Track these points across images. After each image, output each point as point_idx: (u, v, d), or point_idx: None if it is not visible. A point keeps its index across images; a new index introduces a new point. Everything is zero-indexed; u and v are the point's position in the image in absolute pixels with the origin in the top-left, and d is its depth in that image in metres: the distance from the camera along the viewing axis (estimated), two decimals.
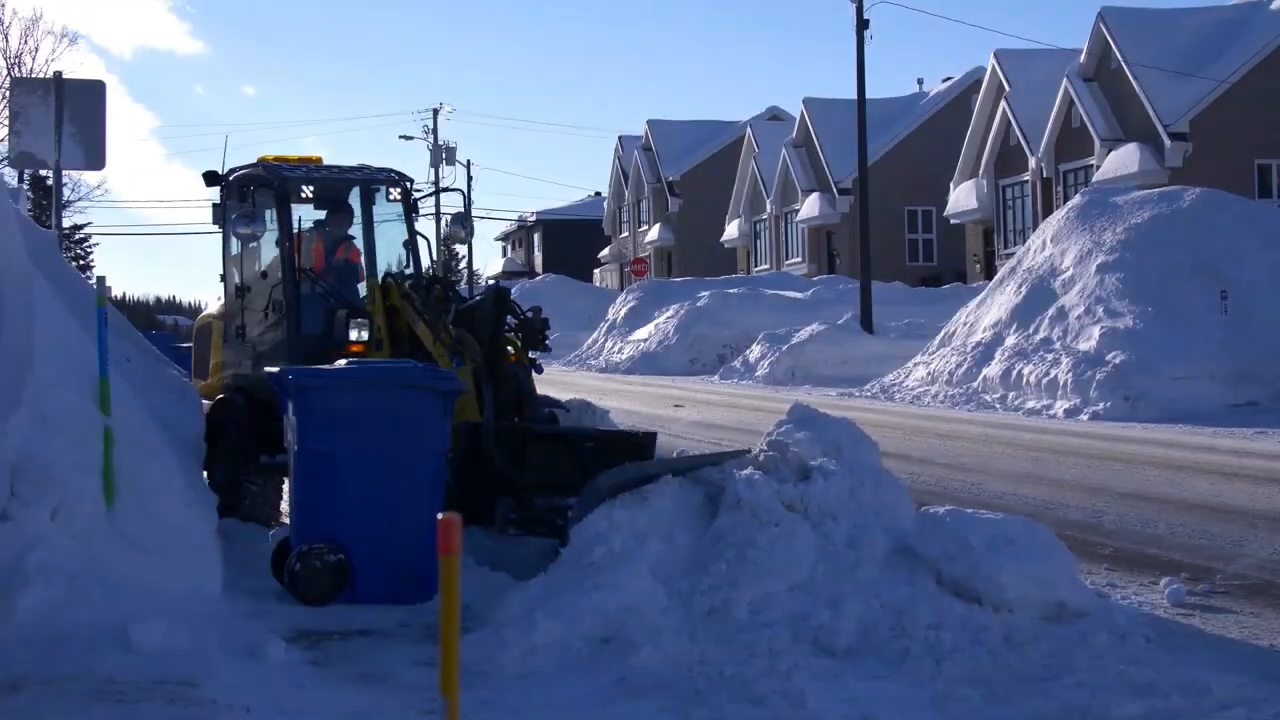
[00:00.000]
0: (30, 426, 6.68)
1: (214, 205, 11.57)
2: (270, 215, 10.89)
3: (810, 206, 51.85)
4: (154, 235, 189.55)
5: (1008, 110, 41.33)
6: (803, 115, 53.71)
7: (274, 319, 10.77)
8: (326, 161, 11.47)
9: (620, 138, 71.67)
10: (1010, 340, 23.01)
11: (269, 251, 11.12)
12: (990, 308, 24.73)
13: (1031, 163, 40.06)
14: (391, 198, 11.55)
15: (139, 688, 5.80)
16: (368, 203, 11.73)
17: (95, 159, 12.97)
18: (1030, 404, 20.78)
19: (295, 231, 10.72)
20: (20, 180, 32.46)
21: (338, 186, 11.44)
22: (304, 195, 11.00)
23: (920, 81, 56.13)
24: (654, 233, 64.75)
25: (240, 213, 10.57)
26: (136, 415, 7.39)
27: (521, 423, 9.23)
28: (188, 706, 5.59)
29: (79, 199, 45.61)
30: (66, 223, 42.95)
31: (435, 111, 67.20)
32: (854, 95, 33.70)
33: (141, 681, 5.86)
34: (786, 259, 55.04)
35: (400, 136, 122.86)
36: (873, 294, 32.85)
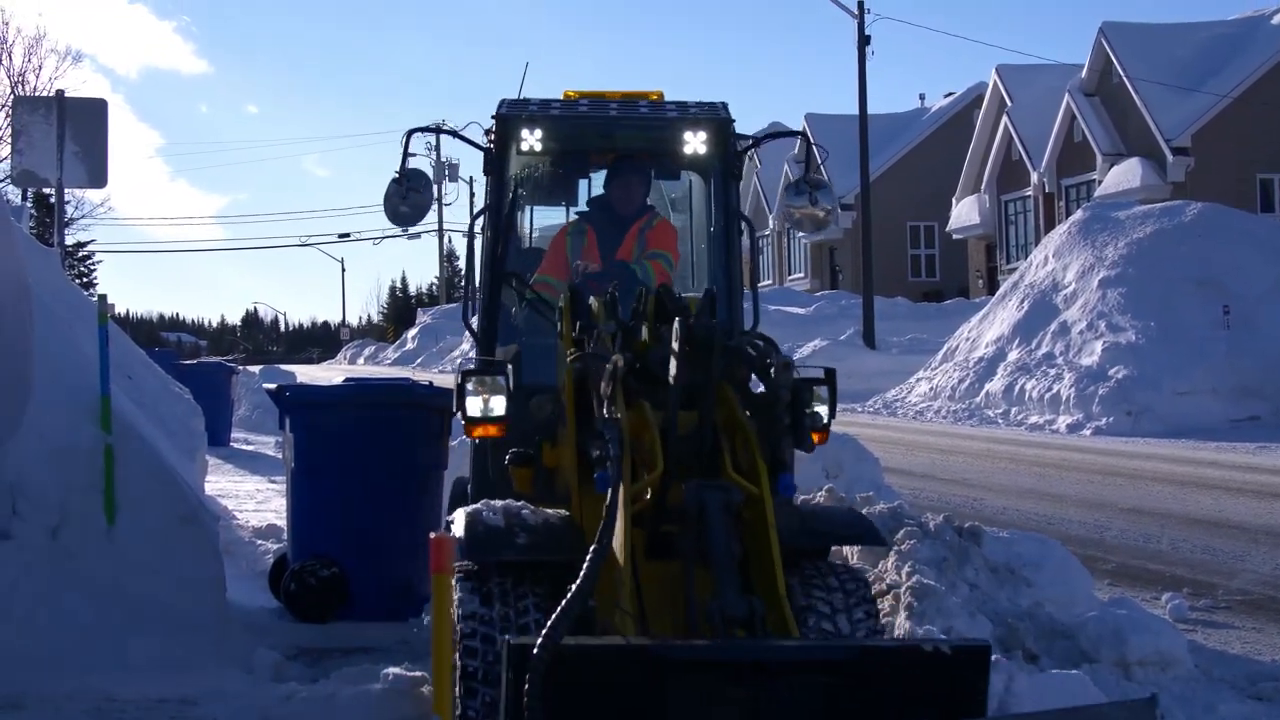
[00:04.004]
0: (31, 445, 6.69)
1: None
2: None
3: None
4: (157, 253, 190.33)
5: (1009, 125, 41.36)
6: (805, 131, 53.76)
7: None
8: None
9: None
10: (1013, 355, 23.03)
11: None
12: (993, 323, 24.76)
13: (1033, 177, 40.09)
14: (688, 148, 6.66)
15: (139, 705, 5.81)
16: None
17: (97, 177, 12.98)
18: (1033, 419, 20.79)
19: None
20: (24, 198, 32.50)
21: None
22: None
23: (922, 97, 56.28)
24: None
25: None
26: (138, 433, 7.38)
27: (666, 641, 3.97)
28: None
29: (82, 216, 45.59)
30: (69, 240, 43.01)
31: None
32: (856, 111, 33.78)
33: (141, 700, 5.87)
34: (789, 274, 55.07)
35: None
36: (875, 309, 32.88)
